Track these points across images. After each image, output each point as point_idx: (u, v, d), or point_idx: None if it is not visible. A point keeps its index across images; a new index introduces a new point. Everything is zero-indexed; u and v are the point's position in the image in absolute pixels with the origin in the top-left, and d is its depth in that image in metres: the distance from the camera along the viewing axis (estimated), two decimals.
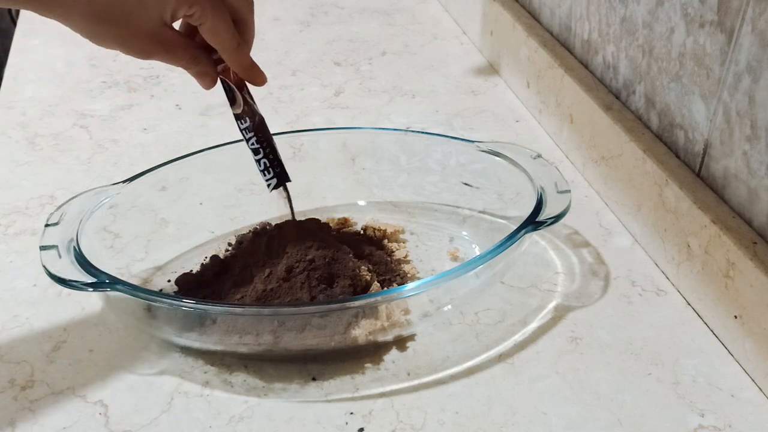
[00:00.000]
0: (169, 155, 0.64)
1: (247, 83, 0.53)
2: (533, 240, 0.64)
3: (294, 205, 0.68)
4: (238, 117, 0.52)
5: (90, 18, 0.45)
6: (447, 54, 1.00)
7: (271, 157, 0.53)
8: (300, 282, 0.53)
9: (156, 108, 0.86)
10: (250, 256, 0.57)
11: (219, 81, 0.52)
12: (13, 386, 0.51)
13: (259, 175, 0.54)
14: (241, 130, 0.53)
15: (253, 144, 0.53)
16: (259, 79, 0.53)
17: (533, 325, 0.56)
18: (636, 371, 0.53)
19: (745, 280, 0.51)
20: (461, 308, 0.57)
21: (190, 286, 0.57)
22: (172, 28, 0.48)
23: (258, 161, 0.53)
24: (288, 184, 0.55)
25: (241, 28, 0.51)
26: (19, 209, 0.68)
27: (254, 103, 0.53)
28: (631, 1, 0.66)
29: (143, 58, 0.49)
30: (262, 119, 0.53)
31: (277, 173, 0.53)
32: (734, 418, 0.49)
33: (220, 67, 0.52)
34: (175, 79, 0.91)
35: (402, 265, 0.60)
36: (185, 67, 0.51)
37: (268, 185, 0.53)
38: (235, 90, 0.52)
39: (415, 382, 0.52)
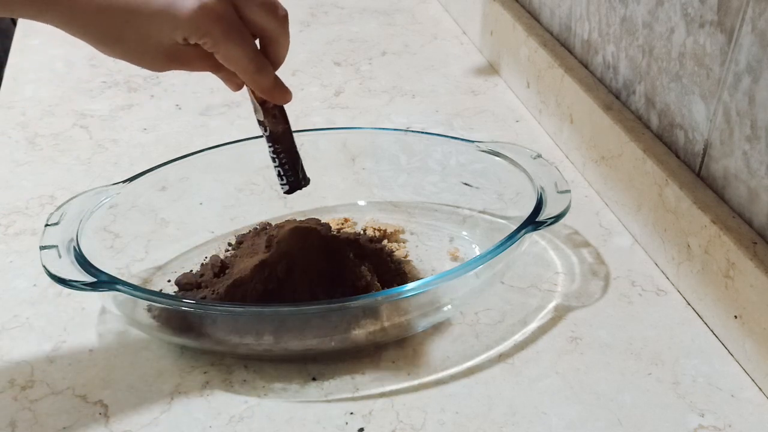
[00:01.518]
0: (169, 155, 0.64)
1: None
2: (533, 240, 0.64)
3: (294, 205, 0.68)
4: (260, 123, 0.53)
5: (103, 41, 0.45)
6: (447, 54, 1.00)
7: (286, 167, 0.53)
8: (300, 282, 0.53)
9: (156, 108, 0.86)
10: (250, 256, 0.57)
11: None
12: (13, 386, 0.51)
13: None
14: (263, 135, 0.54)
15: (270, 153, 0.53)
16: (282, 98, 0.51)
17: (533, 325, 0.56)
18: (636, 371, 0.53)
19: (745, 280, 0.51)
20: (461, 308, 0.57)
21: (190, 286, 0.57)
22: (189, 44, 0.46)
23: (274, 167, 0.54)
24: (281, 188, 0.55)
25: (271, 47, 0.49)
26: (19, 209, 0.68)
27: (279, 114, 0.52)
28: (631, 1, 0.66)
29: (160, 72, 0.49)
30: (285, 131, 0.53)
31: (290, 182, 0.54)
32: (734, 418, 0.49)
33: None
34: (175, 79, 0.91)
35: (402, 265, 0.60)
36: (213, 73, 0.50)
37: (282, 188, 0.54)
38: (254, 101, 0.51)
39: (415, 382, 0.52)
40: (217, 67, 0.49)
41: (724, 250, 0.53)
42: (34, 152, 0.77)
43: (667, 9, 0.60)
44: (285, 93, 0.50)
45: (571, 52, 0.79)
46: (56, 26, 0.45)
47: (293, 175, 0.54)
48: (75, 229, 0.53)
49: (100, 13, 0.44)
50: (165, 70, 0.48)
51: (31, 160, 0.76)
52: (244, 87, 0.51)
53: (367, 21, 1.09)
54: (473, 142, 0.65)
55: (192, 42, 0.46)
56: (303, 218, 0.63)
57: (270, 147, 0.53)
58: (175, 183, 0.63)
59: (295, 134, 0.54)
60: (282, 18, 0.48)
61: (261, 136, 0.53)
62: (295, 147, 0.54)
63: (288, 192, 0.55)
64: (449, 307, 0.55)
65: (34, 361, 0.53)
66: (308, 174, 0.55)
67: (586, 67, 0.76)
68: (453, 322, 0.56)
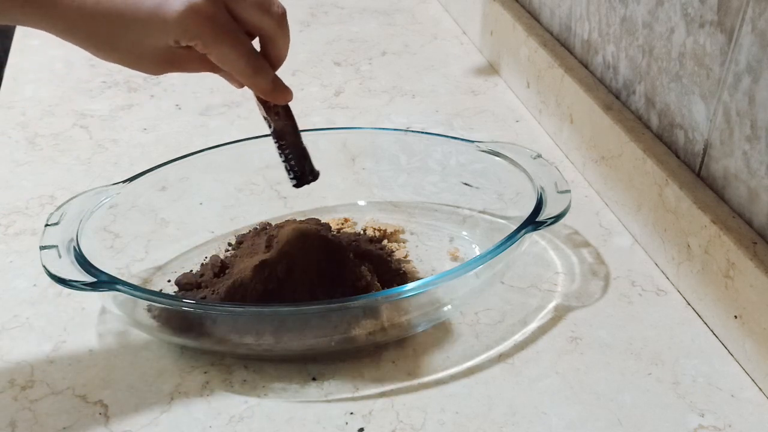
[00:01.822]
0: (169, 155, 0.64)
1: None
2: (533, 240, 0.64)
3: (294, 205, 0.68)
4: (264, 119, 0.53)
5: (97, 47, 0.46)
6: (447, 54, 1.00)
7: (292, 162, 0.54)
8: (300, 282, 0.53)
9: (156, 108, 0.86)
10: (250, 256, 0.57)
11: None
12: (13, 386, 0.51)
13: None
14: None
15: (276, 148, 0.53)
16: (282, 99, 0.50)
17: (533, 325, 0.56)
18: (636, 371, 0.53)
19: (745, 280, 0.51)
20: (461, 308, 0.57)
21: (190, 286, 0.57)
22: (182, 47, 0.46)
23: (281, 162, 0.54)
24: (288, 183, 0.55)
25: (269, 46, 0.48)
26: (19, 209, 0.68)
27: (283, 111, 0.52)
28: (631, 1, 0.66)
29: (157, 75, 0.48)
30: (289, 127, 0.53)
31: (297, 176, 0.54)
32: (734, 418, 0.49)
33: None
34: (175, 79, 0.91)
35: (402, 265, 0.60)
36: (211, 72, 0.50)
37: (290, 182, 0.55)
38: (257, 99, 0.52)
39: (415, 382, 0.52)
40: (215, 68, 0.49)
41: (724, 250, 0.53)
42: (34, 152, 0.77)
43: (667, 9, 0.60)
44: (285, 93, 0.50)
45: (571, 52, 0.79)
46: (51, 32, 0.45)
47: (300, 170, 0.54)
48: (75, 229, 0.53)
49: (93, 19, 0.44)
50: (162, 73, 0.48)
51: (31, 160, 0.76)
52: None
53: (367, 21, 1.09)
54: (473, 142, 0.65)
55: (183, 44, 0.45)
56: (303, 218, 0.63)
57: (275, 143, 0.53)
58: (175, 183, 0.63)
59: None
60: (278, 16, 0.47)
61: (261, 136, 0.53)
62: (301, 142, 0.54)
63: (296, 186, 0.55)
64: (449, 307, 0.55)
65: (34, 361, 0.53)
66: (316, 168, 0.55)
67: (586, 67, 0.76)
68: (453, 322, 0.56)
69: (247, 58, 0.47)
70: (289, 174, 0.54)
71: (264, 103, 0.51)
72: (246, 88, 0.50)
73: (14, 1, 0.43)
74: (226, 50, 0.46)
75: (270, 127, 0.53)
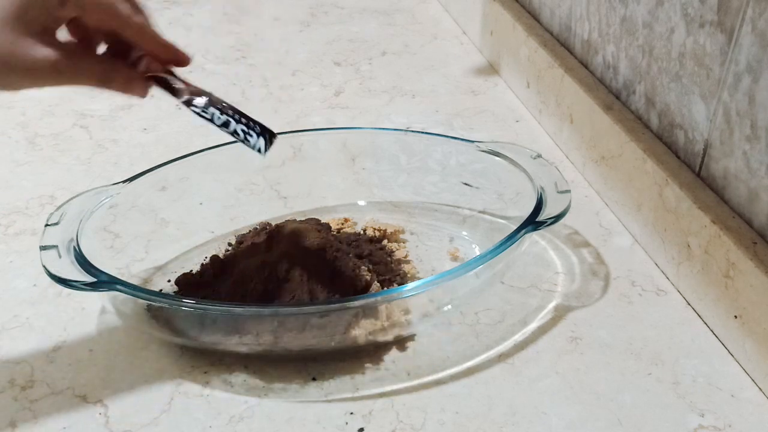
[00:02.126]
0: (169, 155, 0.64)
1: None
2: (533, 240, 0.64)
3: (294, 205, 0.68)
4: (189, 102, 0.49)
5: None
6: (447, 54, 1.00)
7: (243, 120, 0.48)
8: (300, 282, 0.53)
9: (156, 108, 0.86)
10: (250, 256, 0.57)
11: (153, 82, 0.49)
12: (13, 386, 0.51)
13: (249, 151, 0.49)
14: (200, 115, 0.49)
15: (219, 117, 0.49)
16: (182, 55, 0.48)
17: (533, 325, 0.56)
18: (636, 371, 0.53)
19: (745, 280, 0.51)
20: (461, 308, 0.57)
21: (190, 286, 0.57)
22: (61, 49, 0.43)
23: (234, 132, 0.49)
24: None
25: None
26: (19, 209, 0.68)
27: (191, 84, 0.49)
28: (631, 1, 0.66)
29: (40, 87, 0.44)
30: (209, 92, 0.50)
31: (259, 132, 0.48)
32: (734, 418, 0.49)
33: (142, 67, 0.48)
34: None
35: (402, 265, 0.60)
36: (102, 87, 0.46)
37: (258, 150, 0.48)
38: (170, 78, 0.48)
39: (415, 382, 0.52)
40: (108, 72, 0.47)
41: (724, 250, 0.53)
42: (34, 152, 0.77)
43: (667, 9, 0.60)
44: (182, 51, 0.48)
45: (571, 52, 0.79)
46: None
47: (258, 125, 0.48)
48: (75, 229, 0.53)
49: None
50: (48, 83, 0.44)
51: (31, 160, 0.76)
52: (151, 89, 0.49)
53: (367, 21, 1.09)
54: (473, 142, 0.65)
55: (53, 17, 0.42)
56: (303, 218, 0.63)
57: (215, 111, 0.49)
58: (175, 183, 0.63)
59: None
60: None
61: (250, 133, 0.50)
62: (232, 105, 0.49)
63: (267, 146, 0.48)
64: (449, 307, 0.55)
65: (34, 361, 0.53)
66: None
67: (586, 67, 0.76)
68: (453, 322, 0.56)
69: (122, 3, 0.44)
70: (250, 137, 0.48)
71: (171, 75, 0.48)
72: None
73: None
74: None
75: (200, 100, 0.48)
